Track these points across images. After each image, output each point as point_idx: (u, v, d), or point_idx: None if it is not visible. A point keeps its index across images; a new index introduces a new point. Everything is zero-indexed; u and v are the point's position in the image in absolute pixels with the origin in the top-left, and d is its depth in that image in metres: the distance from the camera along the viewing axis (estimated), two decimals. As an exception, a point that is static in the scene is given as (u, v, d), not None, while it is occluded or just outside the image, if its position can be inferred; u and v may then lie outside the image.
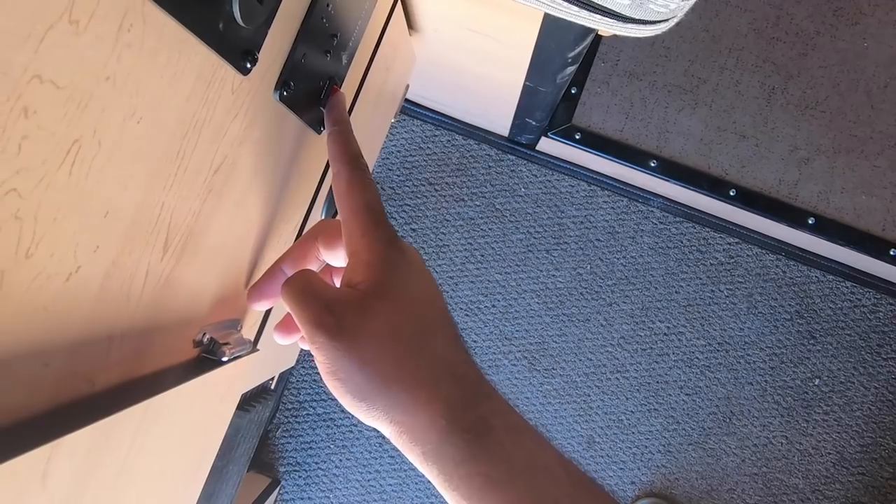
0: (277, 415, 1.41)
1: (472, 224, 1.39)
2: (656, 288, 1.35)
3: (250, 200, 0.52)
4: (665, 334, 1.35)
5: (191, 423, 0.52)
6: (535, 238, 1.38)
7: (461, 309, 1.39)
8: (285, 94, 0.48)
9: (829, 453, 1.32)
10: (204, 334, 0.53)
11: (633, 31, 0.61)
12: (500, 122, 1.25)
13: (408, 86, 1.00)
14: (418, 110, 1.40)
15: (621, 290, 1.36)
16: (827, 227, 1.16)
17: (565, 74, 0.87)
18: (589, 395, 1.36)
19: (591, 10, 0.59)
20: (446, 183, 1.40)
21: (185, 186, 0.40)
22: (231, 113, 0.42)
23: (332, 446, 1.40)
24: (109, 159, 0.32)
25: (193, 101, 0.37)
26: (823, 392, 1.32)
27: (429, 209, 1.40)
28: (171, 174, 0.38)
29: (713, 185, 1.17)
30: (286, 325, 0.47)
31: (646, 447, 1.35)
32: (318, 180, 0.69)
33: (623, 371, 1.36)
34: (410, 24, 0.91)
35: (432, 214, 1.40)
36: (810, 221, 1.16)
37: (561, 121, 1.21)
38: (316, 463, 1.41)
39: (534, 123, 1.19)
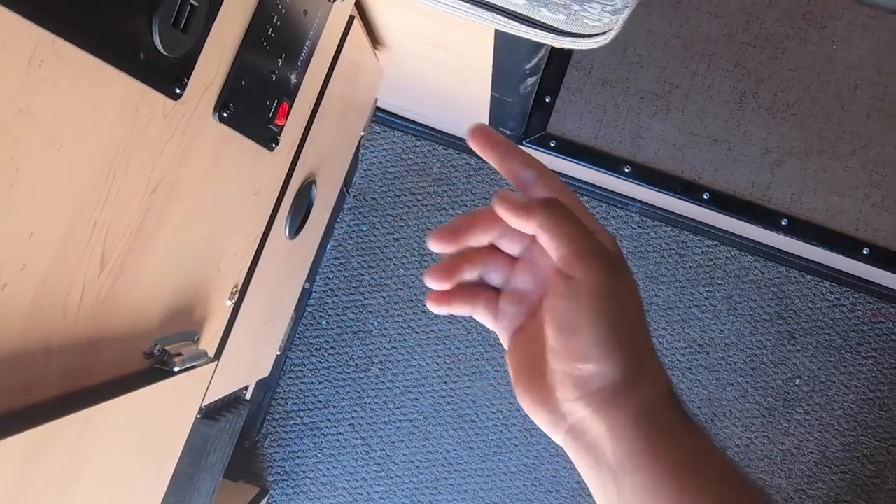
0: (265, 425, 1.43)
1: (454, 232, 1.41)
2: (637, 292, 1.36)
3: (200, 217, 0.54)
4: (646, 337, 1.36)
5: (144, 431, 0.54)
6: (516, 245, 1.40)
7: (444, 317, 1.40)
8: (225, 115, 0.50)
9: (812, 452, 1.32)
10: (156, 346, 0.55)
11: (573, 45, 0.63)
12: (478, 131, 1.27)
13: (377, 99, 1.02)
14: (398, 121, 1.42)
15: (602, 295, 1.37)
16: (800, 228, 1.17)
17: (527, 85, 0.89)
18: (572, 400, 1.37)
19: (530, 26, 0.61)
20: (428, 192, 1.42)
21: (120, 206, 0.42)
22: (165, 135, 0.44)
23: (319, 455, 1.41)
24: (30, 184, 0.34)
25: (121, 127, 0.39)
26: (804, 392, 1.33)
27: (411, 219, 1.42)
28: (102, 195, 0.40)
29: (687, 190, 1.19)
30: (442, 297, 0.40)
31: (630, 450, 1.35)
32: (276, 196, 0.71)
33: (606, 375, 1.37)
34: (376, 40, 0.93)
35: (414, 224, 1.42)
36: (784, 223, 1.17)
37: (536, 129, 1.23)
38: (304, 472, 1.42)
39: (508, 133, 1.21)
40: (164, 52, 0.39)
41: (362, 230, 1.43)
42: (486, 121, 1.15)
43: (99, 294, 0.44)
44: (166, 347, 0.55)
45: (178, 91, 0.42)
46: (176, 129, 0.45)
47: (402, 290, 1.41)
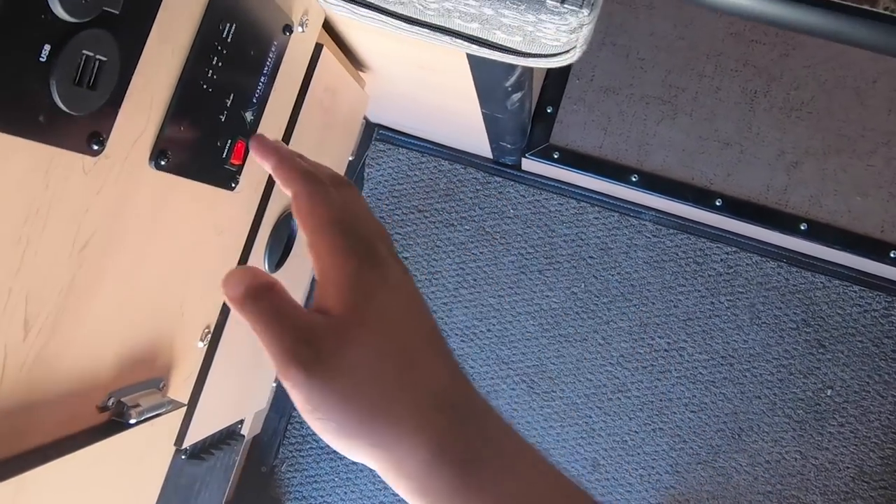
0: (281, 449, 1.43)
1: (463, 249, 1.38)
2: (654, 303, 1.32)
3: (148, 265, 0.53)
4: (666, 350, 1.31)
5: (105, 485, 0.52)
6: (526, 259, 1.36)
7: (456, 335, 1.38)
8: (163, 163, 0.49)
9: (848, 467, 1.25)
10: (110, 398, 0.53)
11: (537, 64, 0.60)
12: (481, 145, 1.25)
13: (364, 121, 1.01)
14: (402, 138, 1.40)
15: (617, 308, 1.33)
16: (821, 233, 1.11)
17: (513, 101, 0.86)
18: (590, 417, 1.33)
19: (490, 48, 0.59)
20: (435, 209, 1.40)
21: (41, 268, 0.41)
22: (91, 190, 0.43)
23: (336, 479, 1.40)
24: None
25: (28, 190, 0.38)
26: (837, 403, 1.26)
27: (419, 236, 1.40)
28: (14, 261, 0.39)
29: (698, 196, 1.14)
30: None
31: (653, 468, 1.31)
32: (246, 233, 0.69)
33: (624, 390, 1.32)
34: (358, 64, 0.91)
35: (423, 241, 1.39)
36: (803, 227, 1.11)
37: (539, 140, 1.19)
38: (321, 496, 1.41)
39: (509, 146, 1.17)
40: (69, 112, 0.38)
41: (371, 249, 1.41)
42: (483, 138, 1.13)
43: (26, 358, 0.42)
44: (123, 399, 0.54)
45: (95, 147, 0.41)
46: (104, 182, 0.44)
47: (413, 308, 1.39)
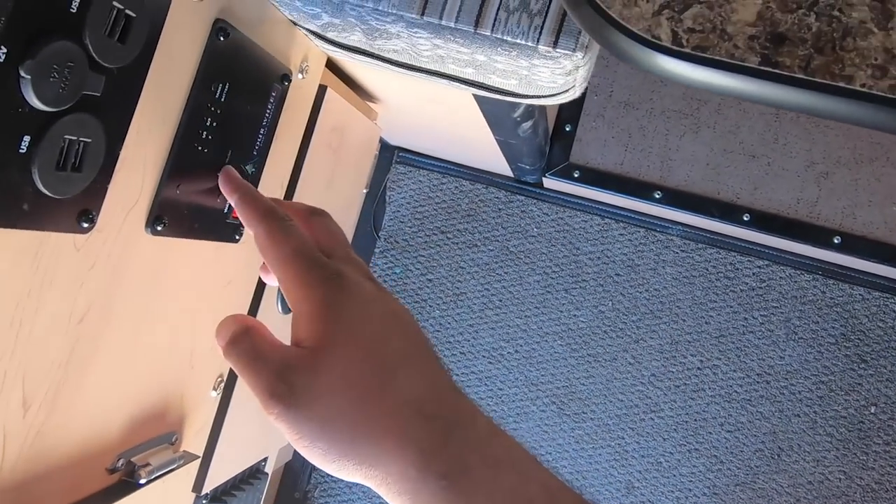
0: (313, 475, 1.43)
1: (487, 269, 1.37)
2: (684, 320, 1.28)
3: (150, 328, 0.53)
4: (699, 369, 1.28)
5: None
6: (552, 278, 1.34)
7: (483, 356, 1.36)
8: (160, 228, 0.49)
9: None
10: (119, 460, 0.54)
11: (538, 103, 0.59)
12: (501, 165, 1.23)
13: (377, 155, 1.00)
14: (422, 160, 1.39)
15: (647, 325, 1.30)
16: (856, 245, 1.07)
17: (524, 129, 0.84)
18: (623, 438, 1.30)
19: (487, 91, 0.58)
20: (458, 230, 1.39)
21: (36, 347, 0.41)
22: (85, 265, 0.43)
23: (368, 504, 1.40)
24: None
25: (17, 276, 0.38)
26: (881, 420, 1.21)
27: (443, 258, 1.39)
28: (8, 343, 0.39)
29: (725, 212, 1.11)
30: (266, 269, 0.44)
31: (689, 490, 1.27)
32: (255, 279, 0.69)
33: (657, 410, 1.29)
34: (368, 96, 0.91)
35: (447, 263, 1.39)
36: (836, 240, 1.07)
37: (558, 160, 1.18)
38: (356, 520, 1.41)
39: (527, 167, 1.16)
40: (54, 197, 0.38)
41: (396, 273, 1.41)
42: (502, 159, 1.11)
43: (28, 435, 0.43)
44: (132, 459, 0.55)
45: (85, 225, 0.41)
46: (98, 256, 0.44)
47: (439, 332, 1.38)
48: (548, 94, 0.55)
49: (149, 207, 0.48)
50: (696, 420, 1.27)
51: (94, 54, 0.37)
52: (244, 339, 0.36)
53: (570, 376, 1.32)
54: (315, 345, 0.34)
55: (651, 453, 1.28)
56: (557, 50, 0.49)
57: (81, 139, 0.38)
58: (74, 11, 0.35)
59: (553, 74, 0.51)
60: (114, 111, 0.40)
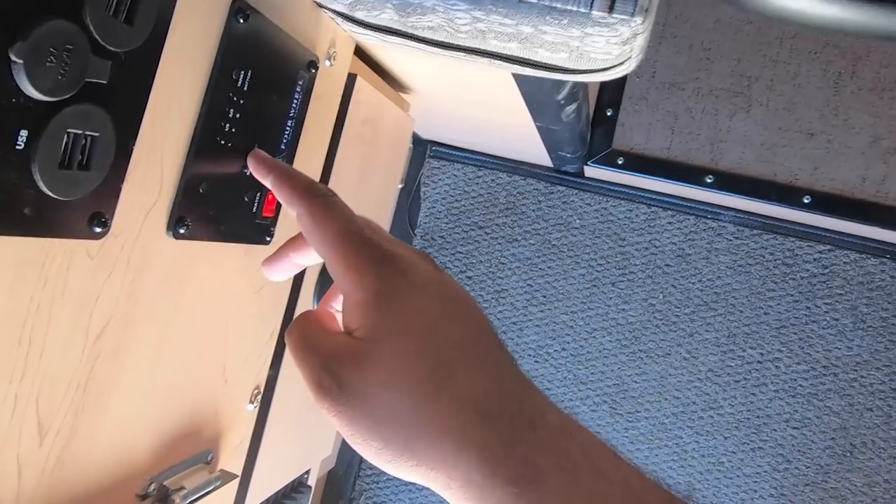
0: (358, 482, 1.39)
1: (529, 264, 1.31)
2: (741, 311, 1.21)
3: (176, 341, 0.49)
4: (759, 362, 1.20)
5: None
6: (598, 272, 1.28)
7: (529, 355, 1.31)
8: (182, 231, 0.45)
9: (982, 484, 1.11)
10: (151, 484, 0.50)
11: (589, 79, 0.53)
12: (540, 154, 1.18)
13: (410, 148, 0.96)
14: (457, 153, 1.34)
15: (702, 318, 1.23)
16: (931, 224, 0.99)
17: (568, 113, 0.79)
18: (681, 437, 1.23)
19: (533, 67, 0.52)
20: (497, 224, 1.33)
21: (49, 368, 0.37)
22: (100, 276, 0.39)
23: (414, 512, 1.36)
24: None
25: (23, 288, 0.34)
26: (963, 411, 1.12)
27: (482, 254, 1.34)
28: (17, 365, 0.35)
29: (783, 195, 1.03)
30: (270, 264, 0.42)
31: (755, 491, 1.20)
32: (288, 284, 0.65)
33: (716, 407, 1.22)
34: (399, 86, 0.86)
35: (486, 259, 1.33)
36: (908, 220, 0.99)
37: (600, 147, 1.12)
38: (403, 527, 1.37)
39: (569, 155, 1.10)
40: (60, 198, 0.34)
41: (434, 272, 1.36)
42: (541, 148, 1.06)
43: (46, 463, 0.39)
44: (165, 483, 0.51)
45: (98, 230, 0.37)
46: (115, 265, 0.40)
47: (481, 331, 1.33)
48: (601, 67, 0.50)
49: (169, 209, 0.44)
50: (758, 417, 1.20)
51: (96, 36, 0.33)
52: (296, 326, 0.34)
53: (621, 374, 1.26)
54: (367, 335, 0.31)
55: (712, 452, 1.21)
56: (614, 15, 0.43)
57: (88, 133, 0.34)
58: (71, -13, 0.31)
59: (608, 44, 0.46)
60: (123, 101, 0.36)
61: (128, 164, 0.38)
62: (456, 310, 0.33)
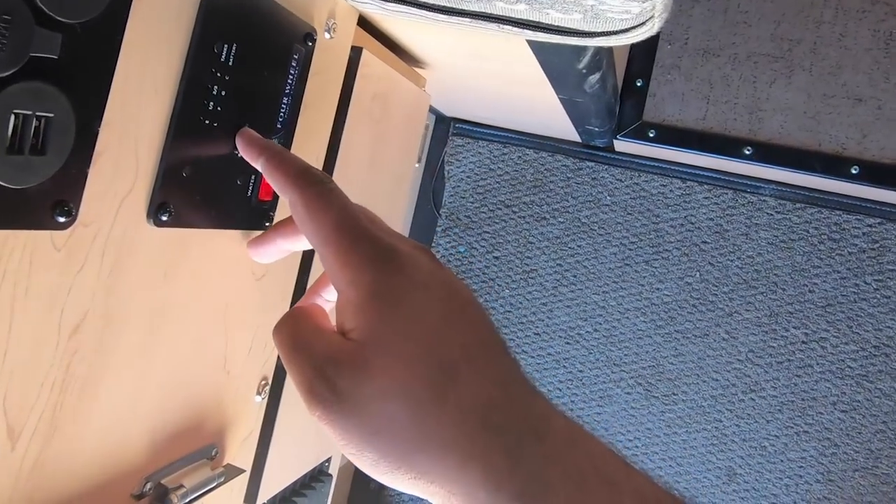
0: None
1: (558, 243, 1.27)
2: (784, 289, 1.15)
3: (174, 330, 0.46)
4: (804, 342, 1.14)
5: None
6: (630, 250, 1.23)
7: (559, 337, 1.26)
8: (165, 218, 0.42)
9: None
10: (146, 484, 0.48)
11: (607, 42, 0.49)
12: (567, 129, 1.13)
13: (428, 126, 0.91)
14: (481, 130, 1.30)
15: (741, 297, 1.17)
16: None
17: (591, 83, 0.74)
18: (721, 421, 1.18)
19: (545, 31, 0.48)
20: (524, 203, 1.29)
21: (17, 366, 0.35)
22: (71, 266, 0.36)
23: (445, 497, 1.33)
24: None
25: (-23, 284, 0.32)
26: None
27: (509, 234, 1.29)
28: (-22, 366, 0.33)
29: (829, 165, 0.96)
30: (256, 246, 0.41)
31: (800, 476, 1.14)
32: (295, 270, 0.62)
33: (758, 390, 1.16)
34: (413, 60, 0.82)
35: (514, 239, 1.29)
36: (968, 189, 0.91)
37: (630, 119, 1.06)
38: (434, 513, 1.35)
39: (596, 129, 1.05)
40: (11, 187, 0.31)
41: (460, 252, 1.33)
42: (567, 122, 1.01)
43: (21, 467, 0.37)
44: (163, 481, 0.49)
45: (62, 219, 0.34)
46: (87, 255, 0.37)
47: (509, 312, 1.29)
48: (620, 28, 0.45)
49: (149, 195, 0.41)
50: (803, 399, 1.13)
51: (40, 5, 0.29)
52: (286, 324, 0.32)
53: (656, 355, 1.21)
54: (364, 338, 0.29)
55: (754, 437, 1.16)
56: (628, -36, 0.39)
57: (40, 114, 0.31)
58: (5, -51, 0.28)
59: (626, 1, 0.41)
60: (82, 79, 0.33)
61: (93, 147, 0.35)
62: (460, 311, 0.30)
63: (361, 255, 0.30)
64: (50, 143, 0.32)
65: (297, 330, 0.31)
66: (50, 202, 0.34)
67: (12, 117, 0.30)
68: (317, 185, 0.33)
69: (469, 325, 0.30)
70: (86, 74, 0.33)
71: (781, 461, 1.15)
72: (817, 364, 1.13)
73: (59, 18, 0.31)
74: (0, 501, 0.36)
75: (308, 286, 0.66)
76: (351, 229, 0.31)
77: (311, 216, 0.32)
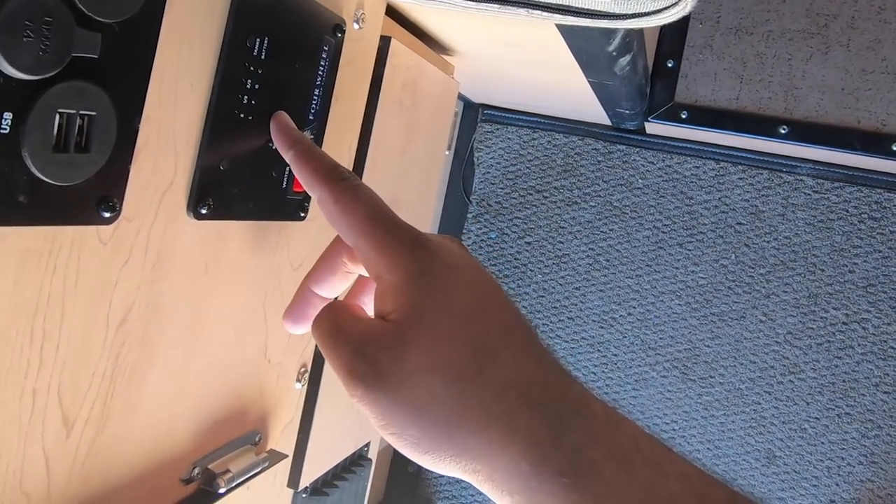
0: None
1: (590, 227, 1.26)
2: (823, 270, 1.12)
3: (211, 322, 0.47)
4: (844, 323, 1.12)
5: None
6: (664, 233, 1.22)
7: (593, 321, 1.26)
8: (205, 211, 0.43)
9: None
10: (194, 469, 0.49)
11: (643, 24, 0.48)
12: (597, 112, 1.12)
13: (458, 113, 0.91)
14: (510, 116, 1.29)
15: (779, 278, 1.15)
16: None
17: (622, 66, 0.73)
18: (759, 404, 1.17)
19: (574, 15, 0.47)
20: (555, 187, 1.28)
21: (70, 357, 0.36)
22: (116, 260, 0.38)
23: (481, 482, 1.34)
24: None
25: (29, 280, 0.33)
26: None
27: (541, 219, 1.29)
28: (32, 359, 0.34)
29: (868, 143, 0.94)
30: (292, 313, 0.40)
31: (842, 458, 1.13)
32: (329, 260, 0.63)
33: (797, 372, 1.14)
34: (441, 48, 0.82)
35: (545, 224, 1.29)
36: None
37: (662, 101, 1.05)
38: (471, 495, 1.36)
39: (627, 112, 1.04)
40: (59, 184, 0.32)
41: (491, 238, 1.33)
42: (597, 105, 1.00)
43: (77, 454, 0.38)
44: (209, 466, 0.50)
45: (107, 215, 0.35)
46: (132, 249, 0.39)
47: (542, 297, 1.29)
48: (651, 9, 0.44)
49: (188, 189, 0.42)
50: (844, 381, 1.12)
51: (80, 6, 0.30)
52: (324, 317, 0.32)
53: (692, 338, 1.20)
54: (404, 317, 0.29)
55: (793, 419, 1.14)
56: (658, -57, 0.38)
57: (83, 113, 0.32)
58: (47, -47, 0.29)
59: (654, -22, 0.40)
60: (121, 77, 0.34)
61: (134, 143, 0.36)
62: (493, 295, 0.31)
63: (398, 241, 0.31)
64: (93, 140, 0.33)
65: (336, 319, 0.32)
66: (95, 198, 0.35)
67: (57, 116, 0.31)
68: (345, 181, 0.34)
69: (503, 308, 0.31)
70: (125, 72, 0.34)
71: (822, 443, 1.13)
72: (858, 345, 1.11)
73: (97, 18, 0.32)
74: (59, 485, 0.37)
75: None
76: (383, 218, 0.32)
77: (343, 209, 0.33)
